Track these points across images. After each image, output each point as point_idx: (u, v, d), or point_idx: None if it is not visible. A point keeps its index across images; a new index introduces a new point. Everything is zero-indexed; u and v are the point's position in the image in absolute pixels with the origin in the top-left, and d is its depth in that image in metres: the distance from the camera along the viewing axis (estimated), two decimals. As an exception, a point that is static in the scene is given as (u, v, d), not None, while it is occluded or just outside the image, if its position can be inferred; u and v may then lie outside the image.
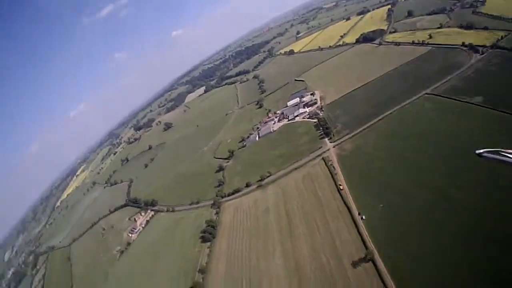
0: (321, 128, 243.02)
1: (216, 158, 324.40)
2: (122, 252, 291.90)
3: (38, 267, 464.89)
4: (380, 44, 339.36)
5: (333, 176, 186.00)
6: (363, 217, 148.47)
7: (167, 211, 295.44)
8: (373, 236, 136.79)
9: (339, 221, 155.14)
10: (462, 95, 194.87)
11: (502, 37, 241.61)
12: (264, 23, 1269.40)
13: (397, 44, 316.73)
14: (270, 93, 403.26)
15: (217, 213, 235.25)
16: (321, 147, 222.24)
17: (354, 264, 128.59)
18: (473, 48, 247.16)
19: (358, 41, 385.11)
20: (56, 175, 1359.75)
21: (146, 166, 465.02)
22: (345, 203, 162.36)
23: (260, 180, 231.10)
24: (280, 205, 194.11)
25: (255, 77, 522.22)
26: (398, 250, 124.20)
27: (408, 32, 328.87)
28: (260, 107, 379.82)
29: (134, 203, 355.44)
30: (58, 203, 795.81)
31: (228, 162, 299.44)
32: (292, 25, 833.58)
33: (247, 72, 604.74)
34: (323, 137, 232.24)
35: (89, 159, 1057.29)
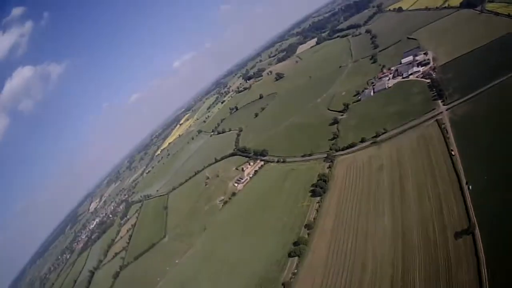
0: (434, 89, 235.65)
1: (330, 110, 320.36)
2: (225, 202, 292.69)
3: (128, 216, 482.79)
4: (481, 11, 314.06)
5: (445, 140, 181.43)
6: (470, 187, 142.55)
7: (278, 162, 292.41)
8: (477, 208, 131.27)
9: (448, 188, 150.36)
10: None
11: None
12: None
13: (497, 14, 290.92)
14: (383, 49, 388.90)
15: (329, 167, 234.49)
16: (435, 108, 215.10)
17: (456, 235, 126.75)
18: None
19: (461, 5, 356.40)
20: (157, 125, 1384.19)
21: (256, 115, 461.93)
22: (455, 170, 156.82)
23: (375, 137, 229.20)
24: (394, 165, 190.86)
25: (367, 31, 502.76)
26: (499, 229, 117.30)
27: (504, 3, 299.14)
28: (374, 62, 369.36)
29: (243, 152, 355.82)
30: (158, 152, 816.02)
31: (342, 115, 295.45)
32: None
33: (358, 26, 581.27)
34: (436, 99, 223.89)
35: (194, 108, 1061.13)
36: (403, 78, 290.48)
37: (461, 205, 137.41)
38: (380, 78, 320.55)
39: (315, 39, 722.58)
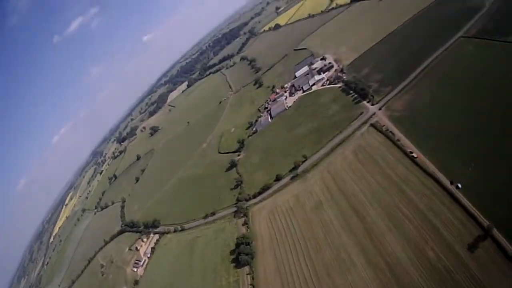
0: (352, 92, 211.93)
1: (222, 153, 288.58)
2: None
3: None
4: None
5: (395, 143, 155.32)
6: (459, 185, 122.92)
7: (175, 231, 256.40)
8: (481, 205, 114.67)
9: (429, 198, 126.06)
10: (497, 34, 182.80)
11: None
12: (235, 11, 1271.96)
13: None
14: (267, 70, 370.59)
15: (246, 223, 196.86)
16: (362, 112, 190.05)
17: (471, 248, 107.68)
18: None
19: (353, 0, 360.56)
20: (47, 208, 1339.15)
21: (137, 180, 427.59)
22: (428, 173, 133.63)
23: (294, 169, 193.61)
24: (336, 195, 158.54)
25: (243, 58, 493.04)
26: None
27: None
28: (260, 86, 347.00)
29: (132, 227, 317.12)
30: (52, 239, 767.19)
31: (239, 155, 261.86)
32: (268, 3, 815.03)
33: (232, 56, 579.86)
34: (359, 101, 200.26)
35: (76, 184, 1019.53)
36: (304, 91, 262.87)
37: (459, 211, 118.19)
38: (275, 99, 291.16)
39: (186, 83, 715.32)
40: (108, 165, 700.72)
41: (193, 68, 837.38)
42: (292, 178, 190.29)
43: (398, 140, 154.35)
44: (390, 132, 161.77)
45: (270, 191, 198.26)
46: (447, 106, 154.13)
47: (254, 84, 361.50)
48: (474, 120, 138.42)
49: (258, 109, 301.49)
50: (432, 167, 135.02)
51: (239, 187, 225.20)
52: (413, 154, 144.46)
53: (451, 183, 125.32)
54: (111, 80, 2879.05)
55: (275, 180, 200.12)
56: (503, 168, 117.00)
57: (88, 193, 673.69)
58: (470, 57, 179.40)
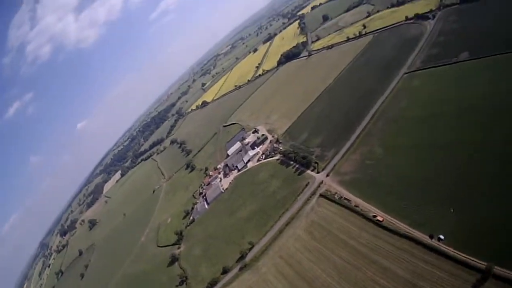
0: (292, 162, 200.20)
1: (161, 246, 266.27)
2: None
3: None
4: (309, 54, 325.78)
5: (354, 210, 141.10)
6: (441, 236, 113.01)
7: None
8: (473, 249, 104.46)
9: (409, 262, 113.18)
10: (444, 58, 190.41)
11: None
12: (163, 92, 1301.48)
13: (330, 47, 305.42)
14: (198, 151, 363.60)
15: None
16: (308, 183, 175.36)
17: None
18: (420, 17, 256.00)
19: (280, 63, 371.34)
20: None
21: (82, 276, 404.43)
22: (400, 235, 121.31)
23: (241, 258, 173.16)
24: (295, 281, 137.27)
25: (172, 142, 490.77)
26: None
27: (335, 33, 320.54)
28: (193, 169, 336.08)
29: None
30: None
31: (179, 247, 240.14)
32: (194, 81, 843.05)
33: (162, 140, 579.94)
34: (302, 171, 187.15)
35: (29, 275, 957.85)
36: (239, 170, 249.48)
37: (448, 264, 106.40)
38: (209, 183, 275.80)
39: (119, 172, 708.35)
40: (54, 259, 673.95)
41: (125, 156, 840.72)
42: (241, 268, 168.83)
43: (356, 205, 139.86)
44: (345, 198, 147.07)
45: (219, 285, 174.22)
46: (404, 154, 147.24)
47: (186, 168, 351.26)
48: (439, 160, 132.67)
49: (193, 195, 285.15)
50: (403, 227, 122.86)
51: (184, 283, 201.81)
52: (378, 218, 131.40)
53: (431, 237, 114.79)
54: (51, 169, 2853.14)
55: (222, 273, 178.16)
56: (485, 201, 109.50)
57: (40, 287, 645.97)
58: (419, 92, 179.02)
